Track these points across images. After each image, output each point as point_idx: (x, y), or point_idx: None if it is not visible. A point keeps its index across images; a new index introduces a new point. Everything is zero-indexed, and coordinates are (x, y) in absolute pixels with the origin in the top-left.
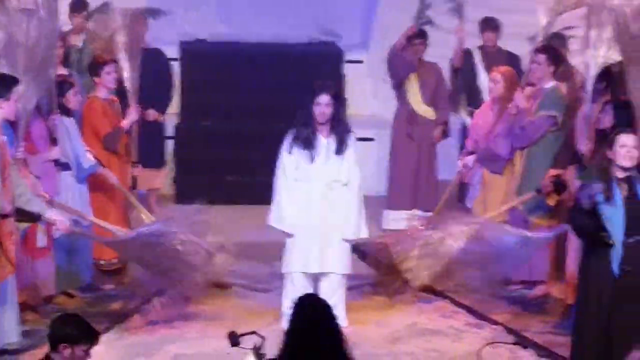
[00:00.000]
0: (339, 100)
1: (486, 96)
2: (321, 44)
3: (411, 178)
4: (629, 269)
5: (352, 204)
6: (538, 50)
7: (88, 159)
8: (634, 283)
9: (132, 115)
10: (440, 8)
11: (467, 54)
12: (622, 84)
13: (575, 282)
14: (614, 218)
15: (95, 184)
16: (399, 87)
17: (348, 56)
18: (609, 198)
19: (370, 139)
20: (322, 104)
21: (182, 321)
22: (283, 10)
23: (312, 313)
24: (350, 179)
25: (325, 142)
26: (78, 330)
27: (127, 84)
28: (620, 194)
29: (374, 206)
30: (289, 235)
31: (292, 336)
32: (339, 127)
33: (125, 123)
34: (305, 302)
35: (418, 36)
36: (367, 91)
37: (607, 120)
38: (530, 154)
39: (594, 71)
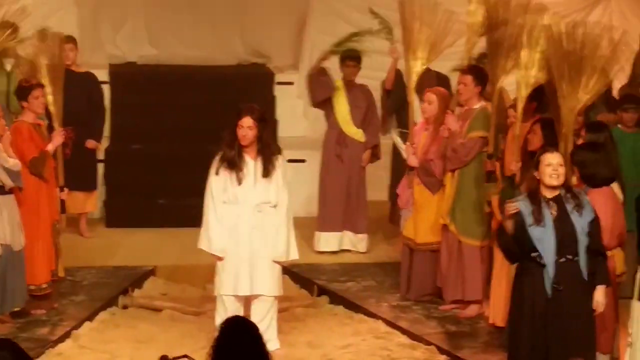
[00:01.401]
0: (264, 122)
1: (417, 117)
2: (251, 66)
3: (341, 199)
4: (561, 288)
5: (281, 226)
6: (464, 71)
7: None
8: (566, 301)
9: (57, 138)
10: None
11: (397, 75)
12: (552, 103)
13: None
14: (544, 239)
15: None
16: (326, 108)
17: (278, 78)
18: (538, 220)
19: (302, 161)
20: (245, 127)
21: (114, 344)
22: (213, 32)
23: (238, 336)
24: (279, 201)
25: (252, 164)
26: (12, 356)
27: (52, 108)
28: (549, 214)
29: (306, 228)
30: (219, 258)
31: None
32: (266, 149)
33: (50, 147)
34: (231, 326)
35: (350, 58)
36: (298, 113)
37: (536, 141)
38: (462, 175)
39: (524, 91)
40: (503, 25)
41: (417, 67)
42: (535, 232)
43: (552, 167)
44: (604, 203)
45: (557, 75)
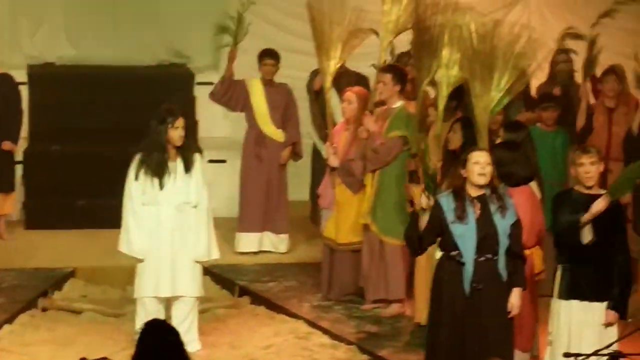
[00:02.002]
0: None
1: (338, 117)
2: (171, 66)
3: (261, 200)
4: (481, 287)
5: (202, 226)
6: (383, 70)
7: None
8: (484, 300)
9: None
10: (298, 28)
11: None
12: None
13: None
14: (466, 236)
15: None
16: (245, 109)
17: (198, 78)
18: (461, 217)
19: (222, 161)
20: (180, 127)
21: (34, 347)
22: (132, 33)
23: (158, 339)
24: (200, 201)
25: (173, 165)
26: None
27: None
28: (472, 212)
29: (227, 228)
30: (140, 260)
31: None
32: (185, 149)
33: None
34: (151, 329)
35: (269, 56)
36: (218, 113)
37: (457, 140)
38: (382, 174)
39: (445, 90)
40: (427, 25)
41: (331, 67)
42: (456, 229)
43: (480, 166)
44: (522, 202)
45: (470, 75)
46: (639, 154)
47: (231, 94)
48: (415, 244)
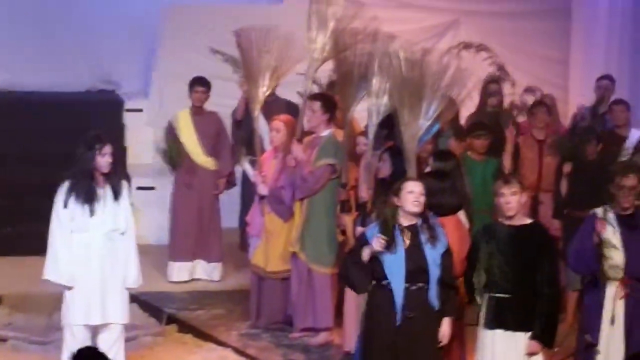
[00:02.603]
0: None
1: (267, 145)
2: (100, 93)
3: (193, 228)
4: (412, 315)
5: (131, 253)
6: (312, 98)
7: None
8: (415, 329)
9: None
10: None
11: (248, 104)
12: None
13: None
14: (395, 266)
15: None
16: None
17: (128, 105)
18: (389, 246)
19: (151, 188)
20: (108, 154)
21: None
22: (62, 59)
23: None
24: (127, 228)
25: (101, 192)
26: None
27: None
28: (402, 242)
29: (155, 255)
30: (68, 288)
31: None
32: (113, 176)
33: None
34: (83, 356)
35: (199, 83)
36: (147, 140)
37: (386, 168)
38: (311, 203)
39: (376, 119)
40: (350, 53)
41: (260, 95)
42: (386, 258)
43: (415, 195)
44: (450, 231)
45: (398, 103)
46: None
47: None
48: (360, 278)
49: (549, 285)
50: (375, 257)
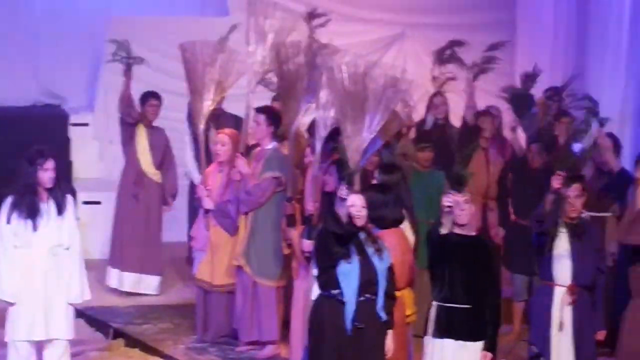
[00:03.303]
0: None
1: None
2: (46, 107)
3: (137, 240)
4: (362, 326)
5: (75, 268)
6: (257, 111)
7: None
8: (364, 339)
9: None
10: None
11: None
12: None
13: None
14: (350, 276)
15: None
16: (129, 144)
17: (73, 119)
18: (346, 256)
19: (97, 203)
20: (50, 169)
21: None
22: (6, 73)
23: None
24: (72, 242)
25: (45, 207)
26: None
27: None
28: (356, 253)
29: (101, 270)
30: (11, 304)
31: None
32: (57, 190)
33: None
34: None
35: (153, 97)
36: (93, 154)
37: (332, 182)
38: (256, 216)
39: (323, 132)
40: (293, 66)
41: (204, 108)
42: (342, 267)
43: (356, 209)
44: (393, 244)
45: (342, 116)
46: None
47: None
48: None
49: (495, 296)
50: (329, 267)
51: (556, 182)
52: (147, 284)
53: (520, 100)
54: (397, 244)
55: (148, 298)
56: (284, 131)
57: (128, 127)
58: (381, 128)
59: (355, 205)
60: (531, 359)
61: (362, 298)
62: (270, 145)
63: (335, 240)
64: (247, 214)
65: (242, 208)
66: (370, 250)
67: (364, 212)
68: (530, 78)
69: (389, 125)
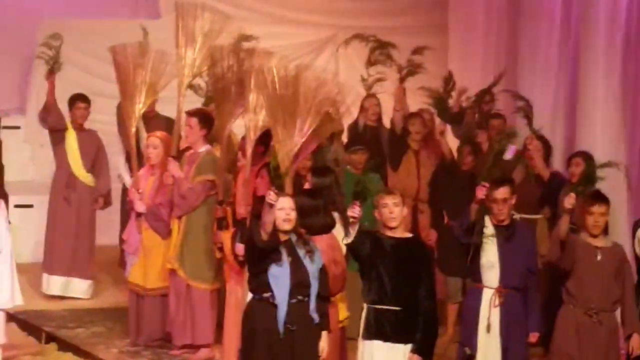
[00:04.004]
0: None
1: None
2: None
3: (69, 243)
4: (294, 328)
5: (5, 272)
6: (190, 114)
7: None
8: (298, 341)
9: None
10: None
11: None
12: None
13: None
14: (281, 279)
15: None
16: (58, 149)
17: (5, 122)
18: (277, 259)
19: (29, 206)
20: None
21: None
22: None
23: None
24: (3, 246)
25: None
26: None
27: None
28: (286, 256)
29: (33, 273)
30: None
31: None
32: None
33: None
34: None
35: (81, 100)
36: (25, 157)
37: (264, 185)
38: (189, 219)
39: (253, 135)
40: (226, 69)
41: (136, 111)
42: (273, 270)
43: (285, 212)
44: (324, 249)
45: (273, 120)
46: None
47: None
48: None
49: (429, 299)
50: (259, 272)
51: (480, 193)
52: (76, 288)
53: (441, 104)
54: (328, 249)
55: (81, 302)
56: (216, 134)
57: (57, 131)
58: (313, 131)
59: (284, 208)
60: None
61: (293, 300)
62: (202, 148)
63: (258, 252)
64: (180, 217)
65: (176, 212)
66: (301, 252)
67: (293, 215)
68: (447, 82)
69: (322, 128)
